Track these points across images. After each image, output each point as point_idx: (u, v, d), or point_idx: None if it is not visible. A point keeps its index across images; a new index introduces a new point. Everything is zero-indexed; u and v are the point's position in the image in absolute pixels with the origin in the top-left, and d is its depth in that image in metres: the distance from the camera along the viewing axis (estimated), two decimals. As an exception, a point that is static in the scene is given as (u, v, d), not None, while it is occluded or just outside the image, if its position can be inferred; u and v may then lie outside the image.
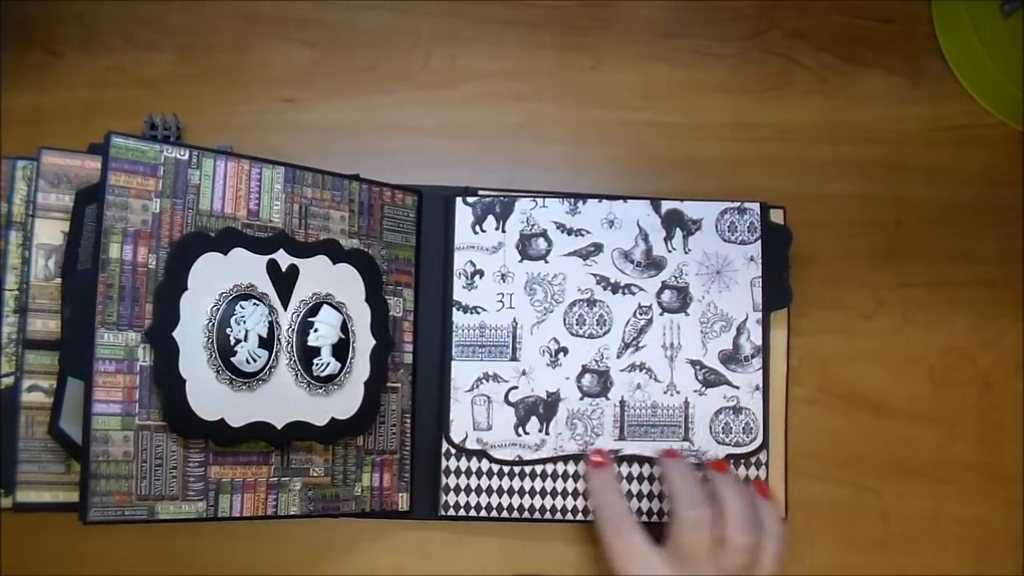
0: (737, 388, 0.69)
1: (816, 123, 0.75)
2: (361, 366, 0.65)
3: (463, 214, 0.69)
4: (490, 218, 0.69)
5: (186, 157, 0.59)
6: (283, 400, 0.61)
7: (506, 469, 0.68)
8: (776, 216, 0.71)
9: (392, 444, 0.68)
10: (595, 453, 0.68)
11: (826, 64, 0.76)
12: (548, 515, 0.68)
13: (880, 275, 0.74)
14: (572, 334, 0.69)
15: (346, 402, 0.64)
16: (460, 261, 0.69)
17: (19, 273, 0.63)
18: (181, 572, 0.69)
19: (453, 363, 0.69)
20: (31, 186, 0.63)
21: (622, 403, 0.68)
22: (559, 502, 0.68)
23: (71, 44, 0.74)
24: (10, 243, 0.63)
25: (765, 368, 0.69)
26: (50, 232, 0.63)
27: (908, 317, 0.74)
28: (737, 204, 0.69)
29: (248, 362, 0.59)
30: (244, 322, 0.59)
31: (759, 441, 0.69)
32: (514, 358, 0.69)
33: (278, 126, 0.74)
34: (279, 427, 0.61)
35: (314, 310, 0.63)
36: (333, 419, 0.64)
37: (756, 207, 0.69)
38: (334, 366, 0.63)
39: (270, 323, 0.61)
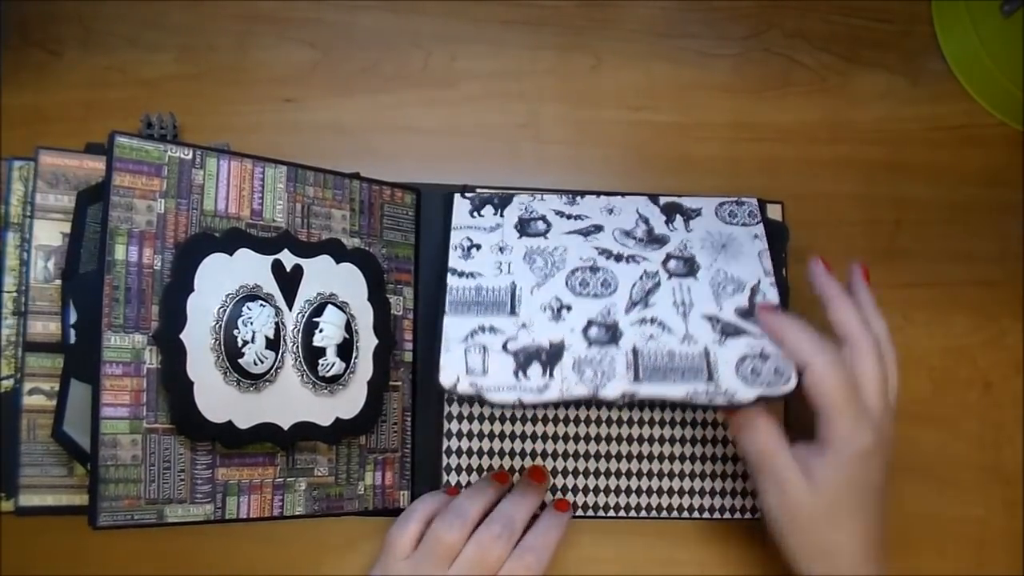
0: (762, 338, 0.61)
1: (816, 123, 0.76)
2: (364, 365, 0.65)
3: (461, 204, 0.69)
4: (488, 207, 0.69)
5: (190, 157, 0.59)
6: (289, 401, 0.61)
7: (507, 447, 0.69)
8: (774, 212, 0.71)
9: (394, 442, 0.68)
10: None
11: (826, 64, 0.77)
12: (549, 512, 0.69)
13: (880, 275, 0.73)
14: (575, 294, 0.64)
15: (350, 401, 0.64)
16: (457, 238, 0.67)
17: (17, 275, 0.62)
18: (183, 572, 0.68)
19: (445, 318, 0.63)
20: (28, 187, 0.62)
21: (635, 351, 0.60)
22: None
23: (70, 44, 0.73)
24: (8, 245, 0.62)
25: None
26: (49, 233, 0.62)
27: (908, 317, 0.75)
28: (734, 198, 0.69)
29: (256, 363, 0.59)
30: (251, 323, 0.59)
31: (793, 383, 0.58)
32: (513, 313, 0.63)
33: (278, 126, 0.74)
34: (285, 428, 0.61)
35: (319, 310, 0.63)
36: (338, 419, 0.63)
37: (754, 200, 0.69)
38: (339, 366, 0.63)
39: (276, 324, 0.60)
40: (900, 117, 0.78)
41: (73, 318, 0.59)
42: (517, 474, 0.68)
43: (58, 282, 0.61)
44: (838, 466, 0.57)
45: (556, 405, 0.67)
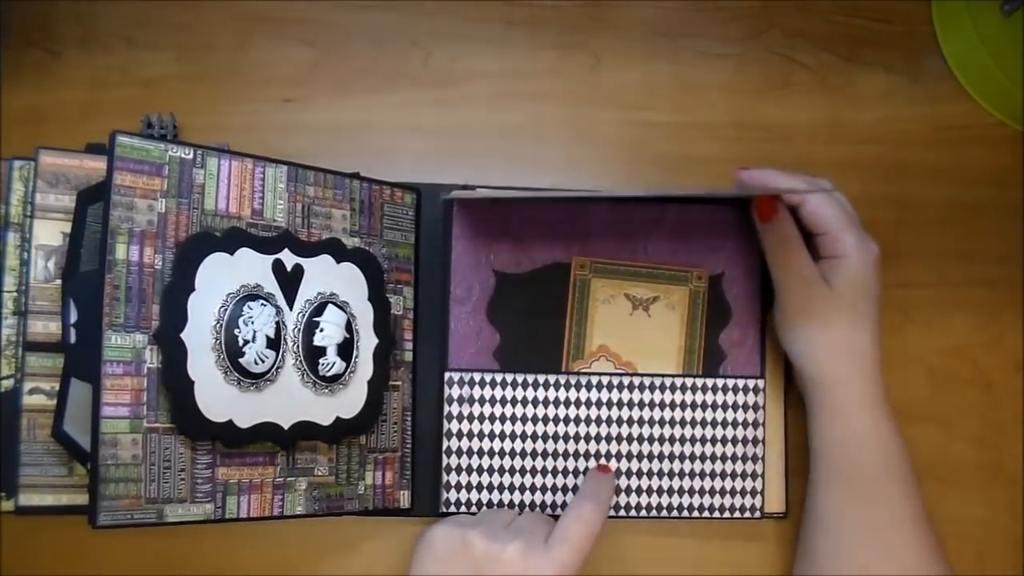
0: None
1: (816, 123, 0.75)
2: (365, 365, 0.65)
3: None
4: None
5: (191, 156, 0.59)
6: (289, 400, 0.61)
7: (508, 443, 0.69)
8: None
9: (394, 442, 0.68)
10: None
11: (826, 64, 0.77)
12: (548, 511, 0.69)
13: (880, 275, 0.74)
14: None
15: (351, 401, 0.64)
16: None
17: (18, 275, 0.62)
18: (182, 572, 0.68)
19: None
20: (28, 187, 0.62)
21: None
22: (559, 498, 0.69)
23: (69, 44, 0.73)
24: (8, 244, 0.62)
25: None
26: (49, 233, 0.62)
27: (908, 317, 0.75)
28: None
29: (256, 363, 0.59)
30: (252, 323, 0.59)
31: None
32: None
33: (277, 126, 0.73)
34: (286, 427, 0.61)
35: (319, 310, 0.63)
36: (338, 418, 0.63)
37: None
38: (339, 365, 0.63)
39: (277, 323, 0.60)
40: (900, 117, 0.77)
41: (74, 317, 0.59)
42: (517, 473, 0.68)
43: (58, 282, 0.62)
44: (854, 272, 0.63)
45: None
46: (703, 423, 0.70)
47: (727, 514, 0.70)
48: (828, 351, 0.64)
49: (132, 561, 0.68)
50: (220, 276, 0.59)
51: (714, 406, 0.70)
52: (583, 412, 0.69)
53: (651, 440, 0.70)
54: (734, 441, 0.70)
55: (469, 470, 0.69)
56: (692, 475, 0.70)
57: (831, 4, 0.69)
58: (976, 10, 0.76)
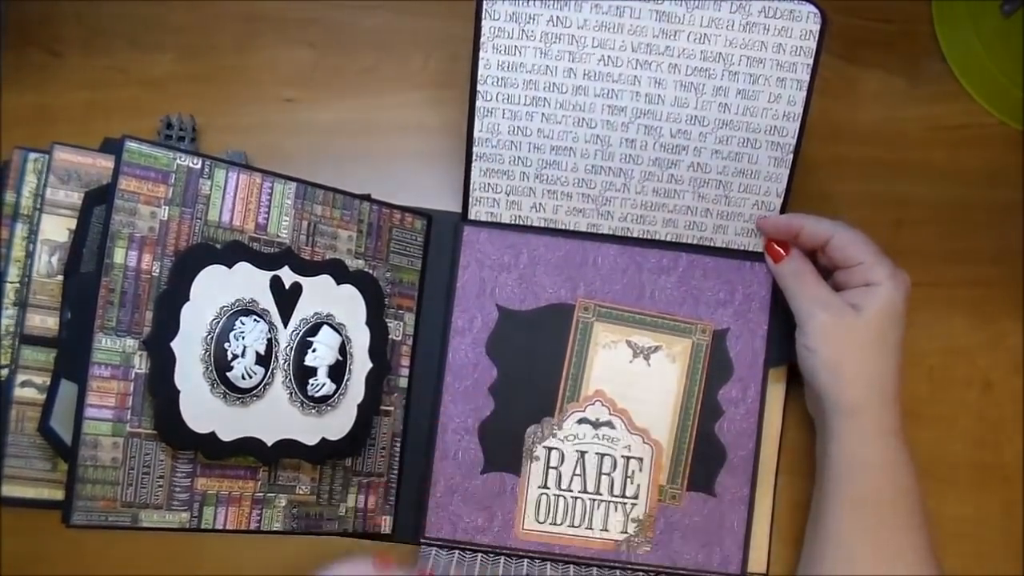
0: None
1: (815, 123, 0.71)
2: (355, 388, 0.65)
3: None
4: None
5: (199, 166, 0.59)
6: (275, 417, 0.61)
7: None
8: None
9: (380, 467, 0.68)
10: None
11: (825, 64, 0.73)
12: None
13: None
14: None
15: (338, 423, 0.64)
16: None
17: (22, 266, 0.62)
18: (179, 572, 0.69)
19: None
20: (40, 180, 0.63)
21: None
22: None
23: (71, 44, 0.74)
24: (16, 236, 0.63)
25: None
26: (56, 229, 0.62)
27: (908, 317, 0.72)
28: None
29: (244, 378, 0.59)
30: (243, 338, 0.59)
31: None
32: None
33: (278, 126, 0.74)
34: (269, 444, 0.61)
35: (314, 330, 0.63)
36: (324, 439, 0.63)
37: None
38: (329, 387, 0.63)
39: (268, 340, 0.60)
40: (900, 117, 0.77)
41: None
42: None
43: (60, 278, 0.62)
44: (888, 300, 0.63)
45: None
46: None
47: (707, 570, 0.69)
48: (853, 377, 0.64)
49: (131, 560, 0.69)
50: (216, 288, 0.59)
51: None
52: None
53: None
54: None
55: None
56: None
57: (831, 4, 0.67)
58: (976, 10, 0.75)
